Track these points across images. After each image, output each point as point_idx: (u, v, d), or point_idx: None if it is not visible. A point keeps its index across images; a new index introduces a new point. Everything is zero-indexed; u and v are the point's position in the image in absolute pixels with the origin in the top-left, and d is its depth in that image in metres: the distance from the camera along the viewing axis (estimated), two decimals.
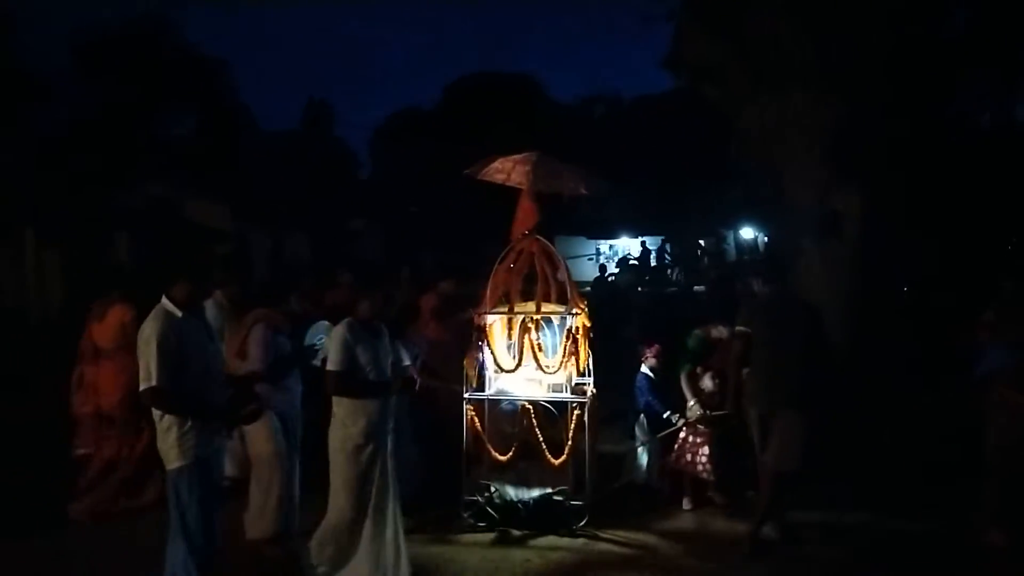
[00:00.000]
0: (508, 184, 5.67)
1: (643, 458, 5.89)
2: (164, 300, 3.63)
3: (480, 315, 5.33)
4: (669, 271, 23.14)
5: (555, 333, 5.40)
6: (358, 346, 4.16)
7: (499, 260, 5.54)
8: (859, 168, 6.75)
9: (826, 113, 6.68)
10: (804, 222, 6.89)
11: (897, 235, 7.31)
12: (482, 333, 5.25)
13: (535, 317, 5.22)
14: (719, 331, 5.81)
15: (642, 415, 5.91)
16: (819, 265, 6.87)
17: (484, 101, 34.91)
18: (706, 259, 23.76)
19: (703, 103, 8.18)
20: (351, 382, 4.16)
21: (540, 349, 5.20)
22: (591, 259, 27.26)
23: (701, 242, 26.43)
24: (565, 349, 5.12)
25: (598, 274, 17.41)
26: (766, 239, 24.10)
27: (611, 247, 27.64)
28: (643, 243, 25.24)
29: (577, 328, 5.14)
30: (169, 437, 3.57)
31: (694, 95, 8.44)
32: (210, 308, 5.01)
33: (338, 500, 4.16)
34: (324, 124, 37.90)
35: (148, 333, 3.51)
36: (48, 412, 6.26)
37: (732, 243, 27.96)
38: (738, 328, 4.92)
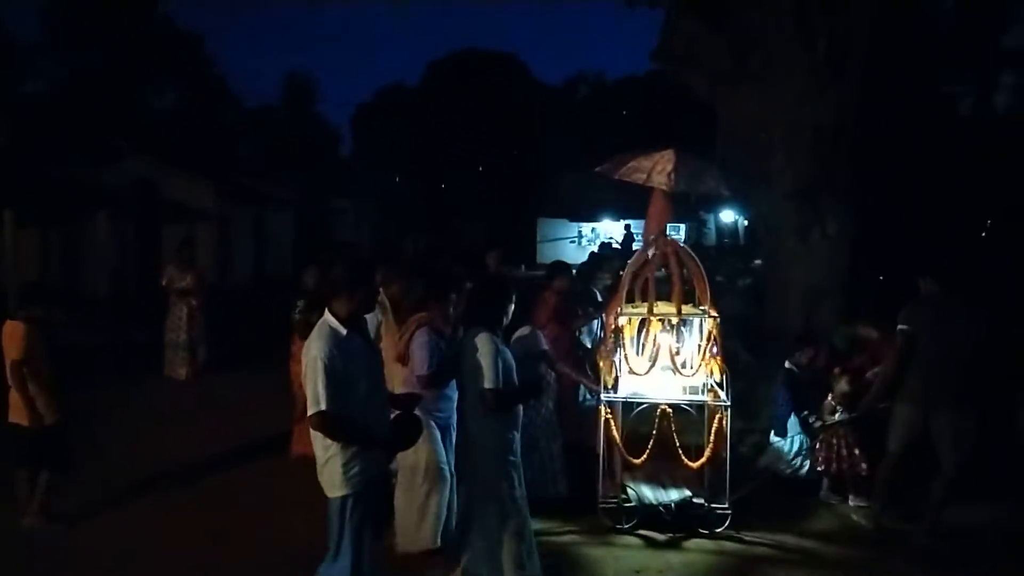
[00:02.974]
0: (647, 185, 5.49)
1: (789, 451, 5.77)
2: (327, 315, 3.40)
3: (614, 315, 5.21)
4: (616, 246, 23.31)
5: (689, 335, 5.29)
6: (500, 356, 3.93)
7: (632, 260, 5.47)
8: (842, 162, 6.86)
9: (809, 107, 6.77)
10: (787, 214, 7.00)
11: (880, 226, 7.45)
12: (619, 334, 5.11)
13: (673, 319, 5.14)
14: (868, 331, 5.81)
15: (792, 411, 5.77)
16: (802, 256, 7.00)
17: (468, 79, 34.73)
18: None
19: (688, 86, 8.22)
20: (509, 396, 3.93)
21: (678, 352, 5.12)
22: (573, 241, 27.39)
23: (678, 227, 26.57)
24: (704, 352, 5.02)
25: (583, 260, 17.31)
26: (746, 223, 24.33)
27: (593, 230, 27.72)
28: (627, 226, 25.31)
29: (712, 331, 5.02)
30: (332, 465, 3.36)
31: (680, 83, 8.47)
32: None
33: (487, 512, 3.95)
34: (305, 100, 37.54)
35: (314, 353, 3.26)
36: None
37: (713, 227, 28.16)
38: (901, 327, 4.91)
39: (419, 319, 4.54)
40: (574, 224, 27.96)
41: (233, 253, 18.65)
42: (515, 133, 33.12)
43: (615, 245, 23.67)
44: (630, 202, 27.26)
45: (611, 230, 26.94)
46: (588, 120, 33.75)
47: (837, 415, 5.46)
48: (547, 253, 25.97)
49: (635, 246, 24.49)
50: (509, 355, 4.02)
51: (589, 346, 6.09)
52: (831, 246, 6.93)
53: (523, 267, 23.25)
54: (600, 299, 6.41)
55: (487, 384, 3.81)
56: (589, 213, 27.48)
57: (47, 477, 4.73)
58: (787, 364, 5.88)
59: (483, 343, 3.88)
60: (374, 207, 28.53)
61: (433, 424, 4.35)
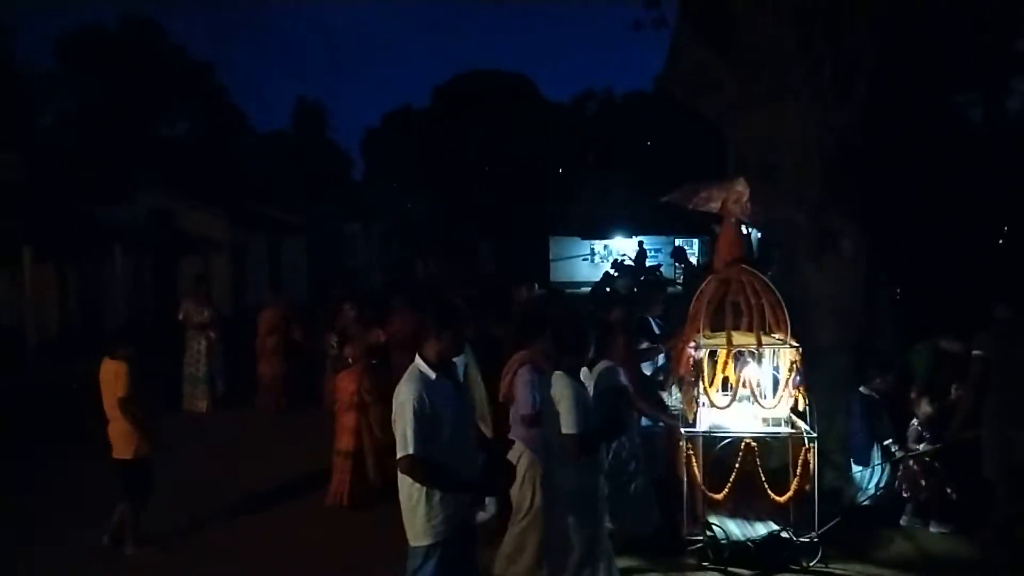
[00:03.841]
0: (723, 214, 5.55)
1: (871, 480, 5.71)
2: (417, 360, 3.37)
3: (686, 346, 5.23)
4: (661, 269, 23.19)
5: (767, 365, 5.22)
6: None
7: (700, 289, 5.47)
8: (852, 182, 6.83)
9: (816, 130, 6.75)
10: (800, 238, 6.96)
11: (893, 244, 7.39)
12: (699, 366, 5.05)
13: (754, 350, 5.05)
14: (951, 345, 5.74)
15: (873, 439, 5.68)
16: (817, 281, 6.94)
17: (477, 100, 34.96)
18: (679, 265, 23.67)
19: (696, 109, 8.24)
20: (590, 439, 3.85)
21: (759, 384, 5.05)
22: (586, 259, 27.39)
23: (677, 242, 26.59)
24: (787, 382, 4.95)
25: (598, 279, 17.26)
26: (759, 235, 24.19)
27: (606, 247, 27.71)
28: (640, 243, 25.29)
29: (795, 361, 4.95)
30: (418, 511, 3.27)
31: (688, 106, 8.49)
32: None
33: (573, 553, 3.90)
34: (316, 126, 37.93)
35: (403, 398, 3.24)
36: None
37: None
38: (975, 352, 4.95)
39: (521, 358, 4.59)
40: (587, 242, 27.97)
41: (249, 282, 18.78)
42: (525, 152, 33.23)
43: (628, 262, 23.64)
44: (642, 219, 27.33)
45: (624, 247, 26.94)
46: (598, 137, 33.85)
47: (923, 444, 5.40)
48: (560, 271, 26.01)
49: (648, 262, 24.56)
50: (589, 396, 4.01)
51: (649, 375, 6.11)
52: (846, 266, 6.89)
53: (536, 286, 23.24)
54: (656, 330, 6.39)
55: (567, 429, 3.76)
56: (601, 230, 27.51)
57: (141, 506, 5.12)
58: (863, 390, 5.76)
59: (562, 386, 3.85)
60: (385, 230, 28.69)
61: (538, 460, 4.31)
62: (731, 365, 5.16)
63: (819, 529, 4.86)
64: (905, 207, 10.51)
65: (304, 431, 7.41)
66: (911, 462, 5.48)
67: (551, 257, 27.76)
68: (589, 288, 16.74)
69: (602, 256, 27.28)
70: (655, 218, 26.99)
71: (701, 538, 4.92)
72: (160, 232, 16.35)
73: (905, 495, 5.47)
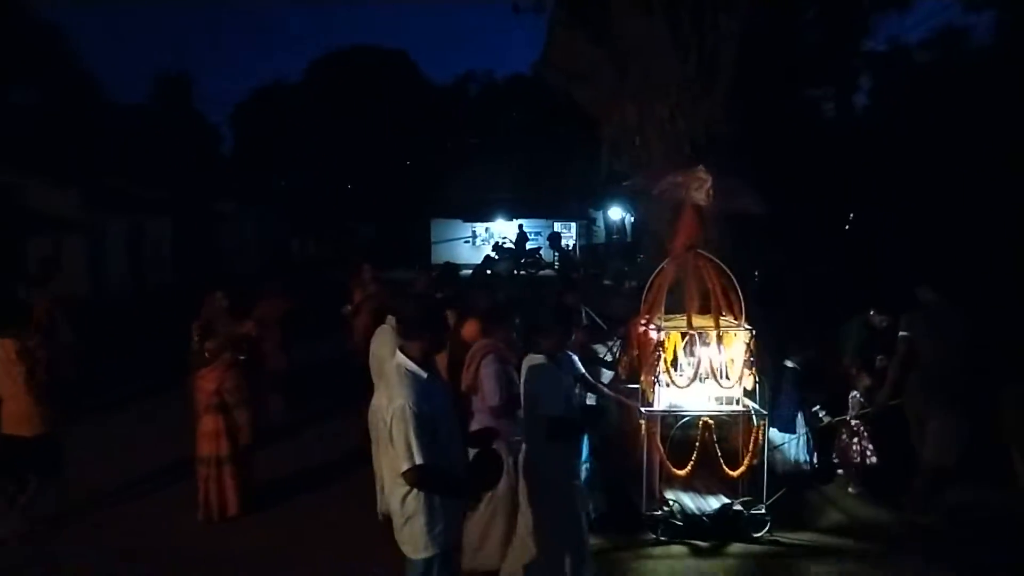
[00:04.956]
0: (686, 201, 5.53)
1: (800, 448, 6.09)
2: (401, 358, 3.14)
3: (647, 328, 5.30)
4: (540, 253, 23.60)
5: (722, 347, 5.34)
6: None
7: (656, 273, 5.54)
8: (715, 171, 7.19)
9: (684, 120, 7.06)
10: (668, 224, 7.27)
11: (753, 229, 7.85)
12: (660, 348, 5.14)
13: (713, 331, 5.19)
14: (880, 319, 6.12)
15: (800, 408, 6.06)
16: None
17: (355, 76, 34.03)
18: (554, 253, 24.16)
19: (571, 96, 8.39)
20: (568, 425, 3.89)
21: (718, 366, 5.18)
22: (467, 242, 27.45)
23: (556, 226, 27.20)
24: (744, 363, 5.14)
25: (478, 262, 17.29)
26: (632, 220, 25.15)
27: (487, 230, 27.85)
28: (520, 226, 25.59)
29: (749, 343, 5.16)
30: (417, 522, 3.10)
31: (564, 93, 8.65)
32: (389, 336, 4.77)
33: (555, 538, 3.95)
34: (180, 98, 35.63)
35: (400, 402, 2.99)
36: None
37: (602, 224, 28.92)
38: (901, 333, 5.41)
39: (484, 347, 4.47)
40: (468, 225, 27.99)
41: (107, 265, 17.50)
42: (406, 132, 32.78)
43: (508, 245, 23.89)
44: (523, 202, 27.66)
45: (505, 230, 27.17)
46: (479, 119, 33.86)
47: (858, 403, 5.88)
48: (441, 254, 25.92)
49: (528, 245, 24.92)
50: (569, 382, 4.02)
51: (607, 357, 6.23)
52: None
53: (417, 268, 23.05)
54: (584, 319, 6.43)
55: (547, 412, 3.78)
56: (482, 213, 27.59)
57: (36, 484, 5.02)
58: (789, 363, 6.14)
59: (542, 371, 3.86)
60: (260, 210, 27.52)
61: (504, 449, 4.31)
62: (681, 347, 5.34)
63: (767, 501, 5.16)
64: (766, 196, 11.20)
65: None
66: (842, 431, 5.95)
67: (432, 240, 27.62)
68: (470, 271, 16.77)
69: (483, 239, 27.39)
70: (535, 202, 27.43)
71: (659, 513, 5.11)
72: (2, 210, 14.90)
73: (837, 461, 5.94)
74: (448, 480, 3.14)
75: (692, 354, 5.33)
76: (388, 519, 3.37)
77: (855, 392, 5.98)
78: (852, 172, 15.15)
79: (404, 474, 3.00)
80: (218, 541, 5.04)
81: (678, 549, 5.00)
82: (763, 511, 5.13)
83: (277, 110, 34.64)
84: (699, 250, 5.49)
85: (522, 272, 20.35)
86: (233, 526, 5.23)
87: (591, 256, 23.76)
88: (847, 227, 17.81)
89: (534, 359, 3.95)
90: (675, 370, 5.31)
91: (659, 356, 5.13)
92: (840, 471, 6.01)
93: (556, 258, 23.59)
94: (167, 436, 6.68)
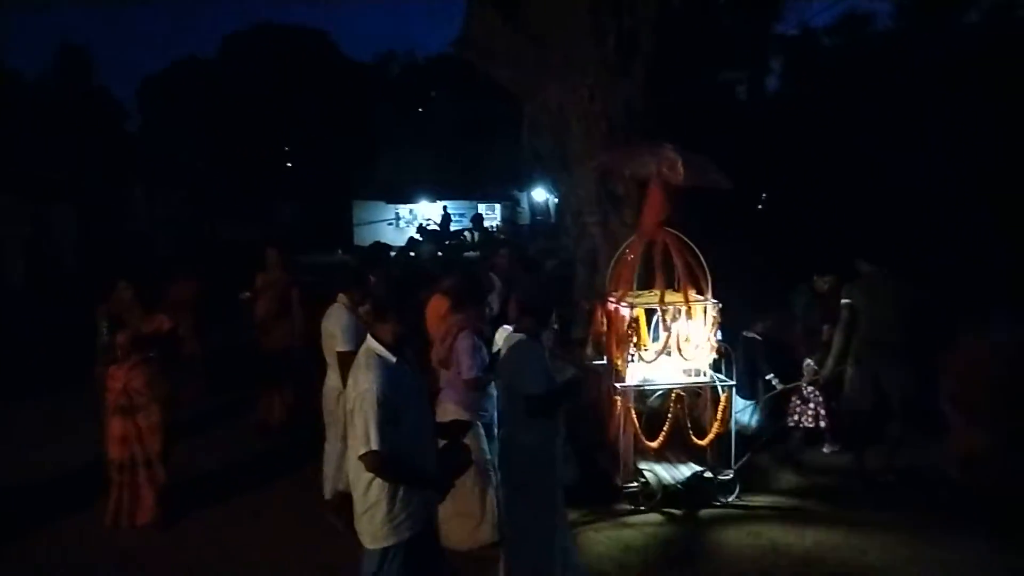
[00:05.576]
0: (654, 178, 5.55)
1: (755, 413, 6.44)
2: (371, 343, 3.07)
3: (617, 304, 5.43)
4: (466, 234, 23.54)
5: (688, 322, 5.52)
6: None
7: (623, 249, 5.73)
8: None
9: (602, 100, 7.15)
10: (588, 203, 7.38)
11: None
12: (635, 324, 5.29)
13: (682, 307, 5.36)
14: (822, 283, 6.54)
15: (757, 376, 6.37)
16: (603, 242, 7.40)
17: (272, 54, 32.91)
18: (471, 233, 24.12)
19: (491, 76, 8.35)
20: (551, 400, 3.89)
21: (688, 340, 5.35)
22: (391, 224, 27.10)
23: (480, 208, 27.20)
24: (712, 336, 5.36)
25: (402, 244, 17.13)
26: (556, 201, 25.35)
27: (411, 211, 27.55)
28: (444, 207, 25.44)
29: (716, 317, 5.40)
30: (378, 512, 3.04)
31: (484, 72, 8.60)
32: (341, 313, 4.75)
33: (540, 510, 3.96)
34: (81, 73, 33.62)
35: (365, 387, 2.94)
36: None
37: (527, 205, 29.05)
38: (844, 301, 5.80)
39: (460, 322, 4.49)
40: (391, 206, 27.61)
41: (3, 253, 16.44)
42: (327, 111, 31.97)
43: (433, 227, 23.74)
44: (447, 184, 27.45)
45: (429, 212, 26.95)
46: (401, 99, 33.34)
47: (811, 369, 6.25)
48: (364, 236, 25.51)
49: (453, 227, 24.79)
50: (547, 359, 4.02)
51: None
52: (629, 232, 7.41)
53: (340, 251, 22.64)
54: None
55: (530, 390, 3.78)
56: (406, 195, 27.26)
57: None
58: (746, 333, 6.45)
59: (526, 348, 3.87)
60: (173, 191, 26.32)
61: (478, 423, 4.39)
62: (644, 321, 5.53)
63: (735, 466, 5.46)
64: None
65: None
66: (795, 397, 6.34)
67: (355, 222, 27.13)
68: (393, 253, 16.58)
69: (407, 221, 27.10)
70: (460, 183, 27.28)
71: (634, 484, 5.29)
72: None
73: (791, 424, 6.32)
74: (409, 469, 3.08)
75: (664, 329, 5.51)
76: (341, 501, 3.29)
77: (808, 360, 6.32)
78: (764, 152, 15.67)
79: (361, 457, 2.97)
80: (130, 548, 4.81)
81: (654, 517, 5.19)
82: (731, 476, 5.44)
83: (189, 87, 33.16)
84: (667, 227, 5.61)
85: (447, 254, 20.25)
86: (147, 532, 4.99)
87: (516, 237, 23.89)
88: (759, 206, 18.43)
89: (516, 337, 3.96)
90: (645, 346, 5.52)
91: (633, 332, 5.31)
92: (795, 435, 6.38)
93: (477, 238, 23.54)
94: (73, 434, 6.40)
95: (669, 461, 5.59)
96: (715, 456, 5.53)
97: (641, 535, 4.99)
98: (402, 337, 3.13)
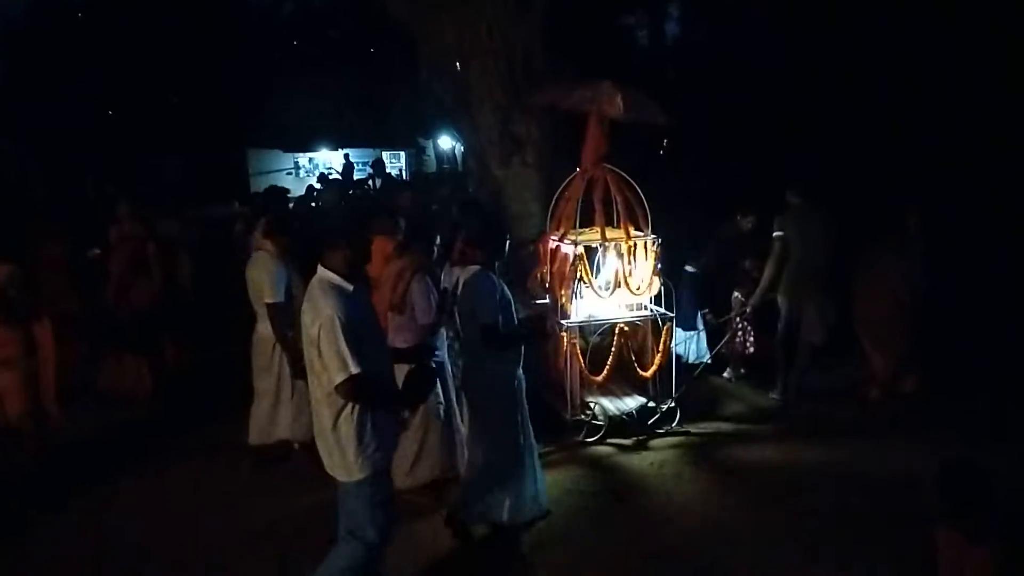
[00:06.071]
0: (596, 114, 5.53)
1: (694, 349, 6.81)
2: (325, 272, 3.04)
3: (560, 243, 5.52)
4: (369, 183, 22.86)
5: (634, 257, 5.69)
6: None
7: (563, 187, 5.75)
8: (533, 92, 7.21)
9: (500, 38, 6.97)
10: (490, 145, 7.23)
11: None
12: (580, 260, 5.39)
13: (627, 244, 5.48)
14: (742, 222, 6.79)
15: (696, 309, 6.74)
16: (508, 187, 7.31)
17: None
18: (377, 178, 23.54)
19: (387, 11, 8.01)
20: (509, 336, 4.02)
21: (631, 275, 5.51)
22: (290, 173, 26.00)
23: (385, 155, 26.49)
24: (652, 271, 5.53)
25: (302, 192, 16.51)
26: (462, 148, 24.94)
27: (311, 160, 26.48)
28: (346, 156, 24.56)
29: (656, 252, 5.59)
30: (350, 445, 3.01)
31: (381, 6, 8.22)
32: (266, 261, 4.76)
33: (504, 440, 4.09)
34: None
35: (328, 312, 2.89)
36: None
37: (432, 153, 28.48)
38: (775, 233, 5.99)
39: (414, 265, 4.43)
40: (289, 155, 26.40)
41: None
42: (213, 55, 30.02)
43: (335, 176, 22.97)
44: (349, 132, 26.41)
45: (330, 160, 25.98)
46: (295, 41, 31.65)
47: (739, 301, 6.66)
48: (262, 186, 24.39)
49: (356, 176, 23.97)
50: (508, 292, 4.08)
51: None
52: (531, 173, 7.34)
53: (236, 203, 21.56)
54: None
55: (485, 320, 3.85)
56: (304, 143, 26.12)
57: None
58: (688, 268, 6.69)
59: (482, 281, 3.96)
60: (41, 146, 24.22)
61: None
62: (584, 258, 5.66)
63: (676, 395, 5.78)
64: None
65: None
66: (732, 325, 6.68)
67: (250, 171, 25.85)
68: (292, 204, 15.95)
69: (307, 170, 26.04)
70: (362, 131, 26.32)
71: (583, 417, 5.47)
72: None
73: (725, 352, 6.70)
74: (384, 392, 3.11)
75: (604, 265, 5.73)
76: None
77: (736, 293, 6.68)
78: (665, 96, 15.82)
79: (339, 386, 2.92)
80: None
81: (604, 448, 5.50)
82: (673, 405, 5.75)
83: (56, 30, 30.34)
84: (606, 165, 5.73)
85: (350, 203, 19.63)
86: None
87: (423, 184, 23.43)
88: (661, 151, 18.73)
89: (471, 270, 4.03)
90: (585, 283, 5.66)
91: (577, 269, 5.39)
92: (731, 361, 6.91)
93: (379, 185, 22.91)
94: None
95: (614, 394, 5.83)
96: (656, 387, 5.74)
97: (597, 465, 5.28)
98: (355, 263, 3.10)
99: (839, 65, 12.12)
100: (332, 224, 3.17)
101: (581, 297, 5.58)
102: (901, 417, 5.96)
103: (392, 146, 27.25)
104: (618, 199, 5.56)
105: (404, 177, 25.93)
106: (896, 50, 11.21)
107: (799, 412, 6.23)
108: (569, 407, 5.52)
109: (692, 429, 5.80)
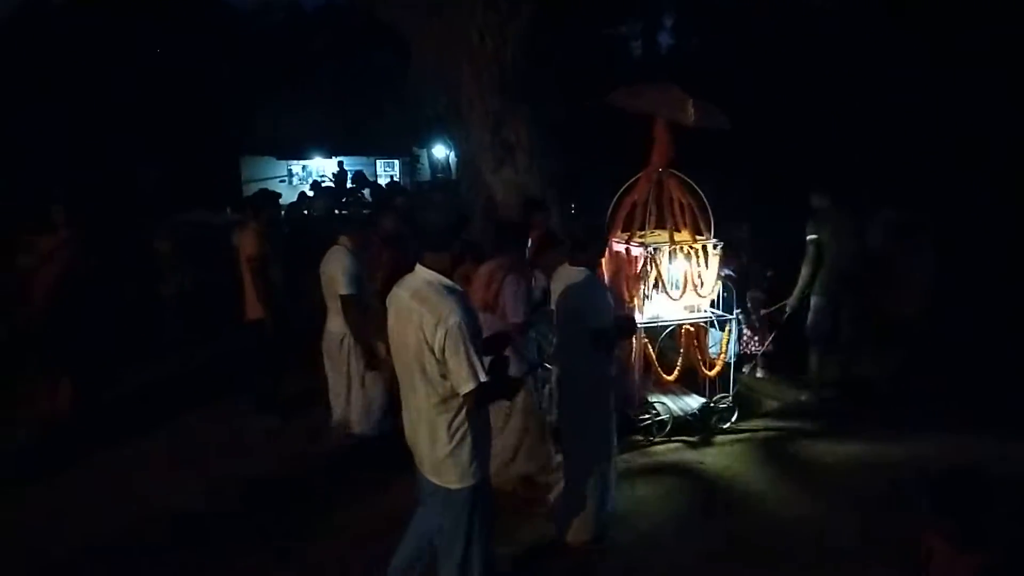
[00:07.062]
0: (667, 119, 5.53)
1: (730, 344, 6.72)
2: (433, 275, 2.94)
3: (628, 245, 5.60)
4: (363, 192, 22.74)
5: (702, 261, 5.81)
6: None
7: (623, 190, 5.80)
8: (526, 97, 7.15)
9: (492, 43, 6.91)
10: (482, 150, 7.17)
11: (566, 159, 7.96)
12: (651, 263, 5.48)
13: (694, 247, 5.63)
14: (740, 231, 6.96)
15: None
16: (500, 192, 7.23)
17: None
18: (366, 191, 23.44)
19: (379, 18, 7.96)
20: (613, 335, 4.07)
21: (700, 277, 5.65)
22: (283, 181, 25.89)
23: (379, 165, 26.43)
24: (716, 274, 5.68)
25: (294, 200, 16.29)
26: (456, 157, 24.83)
27: (304, 168, 26.38)
28: (340, 163, 24.48)
29: (720, 256, 5.75)
30: (464, 451, 2.96)
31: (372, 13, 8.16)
32: (342, 256, 4.85)
33: (600, 442, 4.12)
34: None
35: (455, 319, 2.79)
36: None
37: (426, 162, 28.43)
38: (809, 236, 6.12)
39: (506, 266, 4.47)
40: (283, 163, 26.29)
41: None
42: (207, 62, 29.90)
43: (328, 184, 22.88)
44: (342, 139, 26.28)
45: (323, 167, 25.89)
46: (285, 49, 31.58)
47: (761, 310, 6.88)
48: None
49: (350, 184, 23.81)
50: (609, 295, 4.14)
51: None
52: (523, 178, 7.27)
53: (228, 210, 21.40)
54: None
55: (598, 324, 3.86)
56: (297, 150, 26.02)
57: None
58: (725, 271, 6.74)
59: (593, 284, 3.98)
60: (19, 154, 23.85)
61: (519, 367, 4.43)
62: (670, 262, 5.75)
63: (731, 394, 5.93)
64: (580, 127, 11.42)
65: None
66: (757, 325, 6.88)
67: (244, 179, 25.72)
68: (284, 212, 15.83)
69: (301, 178, 25.94)
70: (356, 139, 26.22)
71: (647, 416, 5.57)
72: None
73: (754, 351, 6.88)
74: (497, 385, 3.06)
75: (672, 267, 5.79)
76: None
77: (756, 294, 6.93)
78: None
79: (468, 395, 2.87)
80: None
81: (672, 446, 5.60)
82: (730, 403, 5.92)
83: (38, 32, 30.07)
84: (672, 170, 5.77)
85: (343, 212, 19.52)
86: None
87: (418, 193, 23.30)
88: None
89: (575, 271, 3.98)
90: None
91: (648, 272, 5.50)
92: (758, 358, 7.02)
93: (367, 195, 22.80)
94: None
95: (674, 393, 5.96)
96: (716, 386, 5.94)
97: (667, 461, 5.37)
98: (455, 266, 3.10)
99: (836, 72, 12.14)
100: (439, 225, 3.04)
101: (652, 299, 5.57)
102: (941, 410, 6.11)
103: (387, 154, 27.20)
104: (683, 203, 5.62)
105: (400, 183, 25.83)
106: (896, 53, 11.24)
107: (833, 407, 6.34)
108: (636, 408, 5.65)
109: (743, 426, 5.93)
